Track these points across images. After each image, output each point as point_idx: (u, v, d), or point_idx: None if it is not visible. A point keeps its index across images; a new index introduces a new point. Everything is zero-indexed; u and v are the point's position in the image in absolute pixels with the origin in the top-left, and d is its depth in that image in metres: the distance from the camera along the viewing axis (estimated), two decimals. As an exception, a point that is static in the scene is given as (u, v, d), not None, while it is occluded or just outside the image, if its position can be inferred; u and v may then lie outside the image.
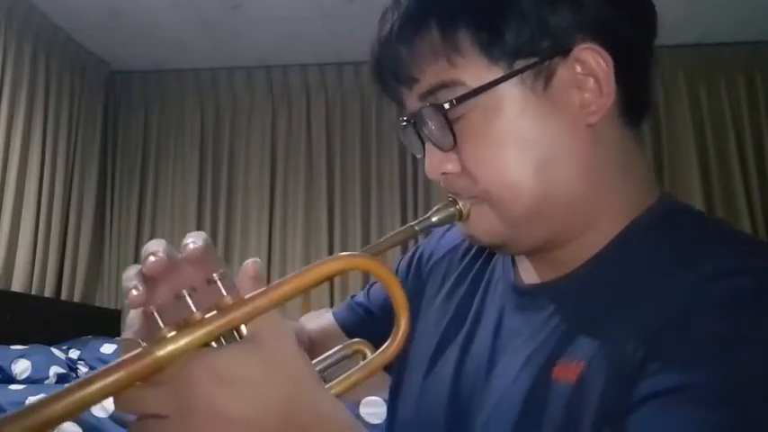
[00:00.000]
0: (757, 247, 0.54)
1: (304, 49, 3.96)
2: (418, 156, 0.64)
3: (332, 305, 3.75)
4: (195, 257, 0.48)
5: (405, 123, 0.63)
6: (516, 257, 0.67)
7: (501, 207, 0.58)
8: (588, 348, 0.52)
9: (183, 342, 0.43)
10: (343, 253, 0.49)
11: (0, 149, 3.28)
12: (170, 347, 0.43)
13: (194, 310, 0.45)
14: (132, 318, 0.49)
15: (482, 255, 0.73)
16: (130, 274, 0.47)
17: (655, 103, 0.62)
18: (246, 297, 0.45)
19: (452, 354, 0.67)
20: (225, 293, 0.45)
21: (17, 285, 3.35)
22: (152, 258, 0.47)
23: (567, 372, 0.53)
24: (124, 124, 4.31)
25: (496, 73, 0.55)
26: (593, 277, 0.58)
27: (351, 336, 0.73)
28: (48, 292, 3.56)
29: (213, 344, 0.45)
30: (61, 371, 2.85)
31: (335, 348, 0.64)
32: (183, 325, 0.44)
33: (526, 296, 0.63)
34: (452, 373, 0.65)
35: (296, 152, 4.16)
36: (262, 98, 4.25)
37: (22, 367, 2.76)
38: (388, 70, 0.61)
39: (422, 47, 0.57)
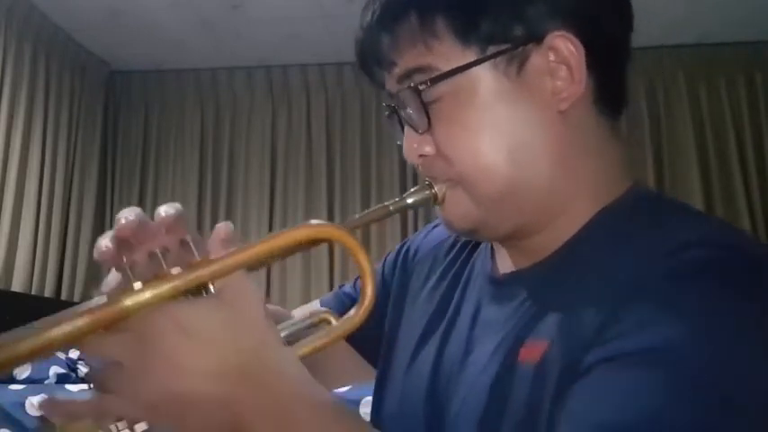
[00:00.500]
0: (716, 223, 0.56)
1: (304, 49, 3.96)
2: (398, 143, 0.65)
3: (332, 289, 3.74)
4: (168, 222, 0.49)
5: (388, 112, 0.65)
6: (495, 249, 0.68)
7: (474, 189, 0.59)
8: (552, 328, 0.54)
9: (149, 294, 0.44)
10: (313, 221, 0.50)
11: (0, 149, 3.27)
12: (136, 298, 0.44)
13: (165, 267, 0.46)
14: (109, 277, 0.51)
15: (465, 250, 0.74)
16: (104, 236, 0.49)
17: (628, 99, 0.65)
18: (215, 257, 0.47)
19: (432, 348, 0.68)
20: (196, 255, 0.47)
21: (17, 285, 3.35)
22: (123, 220, 0.47)
23: (532, 352, 0.54)
24: (124, 124, 4.30)
25: (470, 57, 0.57)
26: (563, 263, 0.59)
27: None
28: (48, 292, 3.56)
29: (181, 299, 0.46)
30: (61, 371, 2.85)
31: (301, 316, 0.66)
32: (152, 279, 0.45)
33: (500, 286, 0.64)
34: (431, 368, 0.66)
35: (296, 152, 4.16)
36: (262, 98, 4.24)
37: (21, 367, 2.76)
38: (370, 55, 0.63)
39: (401, 32, 0.59)
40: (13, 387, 2.64)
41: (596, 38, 0.58)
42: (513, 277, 0.63)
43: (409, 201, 0.61)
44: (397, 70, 0.60)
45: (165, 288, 0.45)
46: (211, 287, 0.47)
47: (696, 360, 0.44)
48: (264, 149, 4.17)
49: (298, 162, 4.14)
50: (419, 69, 0.58)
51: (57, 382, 2.80)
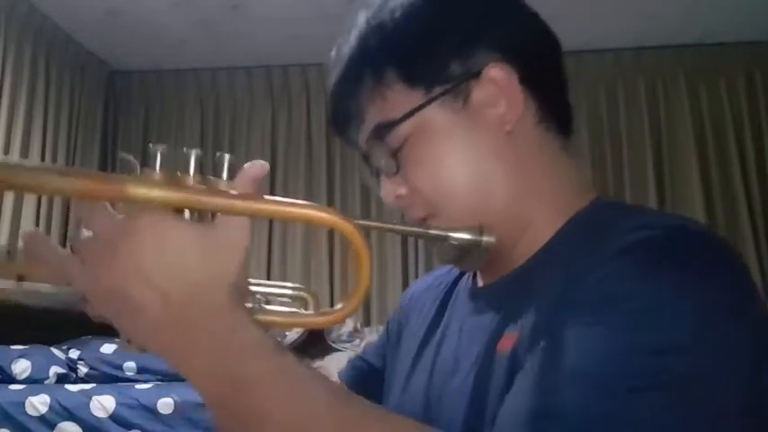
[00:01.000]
0: (674, 214, 0.62)
1: (304, 49, 3.95)
2: (376, 190, 0.71)
3: (332, 288, 3.74)
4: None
5: (364, 165, 0.71)
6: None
7: (446, 216, 0.64)
8: (522, 317, 0.58)
9: (156, 193, 0.45)
10: (325, 209, 0.51)
11: (0, 149, 3.28)
12: (142, 190, 0.45)
13: (191, 176, 0.48)
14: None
15: (453, 279, 0.80)
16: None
17: (573, 117, 0.70)
18: (233, 193, 0.48)
19: (425, 365, 0.72)
20: (225, 174, 0.49)
21: (17, 285, 3.35)
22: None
23: (506, 343, 0.58)
24: (124, 124, 4.30)
25: (419, 100, 0.64)
26: (532, 268, 0.64)
27: (358, 389, 0.74)
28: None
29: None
30: (61, 371, 2.85)
31: (283, 284, 0.68)
32: (171, 182, 0.47)
33: (478, 298, 0.70)
34: (425, 383, 0.70)
35: (296, 152, 4.16)
36: (262, 98, 4.24)
37: (21, 367, 2.76)
38: (340, 117, 0.70)
39: (361, 92, 0.66)
40: (13, 387, 2.64)
41: (528, 64, 0.65)
42: (490, 288, 0.69)
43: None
44: (365, 126, 0.67)
45: (173, 196, 0.46)
46: (211, 218, 0.48)
47: (642, 305, 0.48)
48: (264, 149, 4.17)
49: (298, 162, 4.14)
50: (381, 125, 0.65)
51: (57, 382, 2.81)
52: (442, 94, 0.64)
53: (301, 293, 0.67)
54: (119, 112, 4.32)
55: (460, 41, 0.64)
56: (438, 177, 0.64)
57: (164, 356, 0.48)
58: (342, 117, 0.70)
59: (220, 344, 0.47)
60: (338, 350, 3.18)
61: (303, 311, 0.61)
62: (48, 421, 2.48)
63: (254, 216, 0.49)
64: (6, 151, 3.31)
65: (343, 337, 3.27)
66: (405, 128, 0.64)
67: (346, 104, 0.68)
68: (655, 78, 3.96)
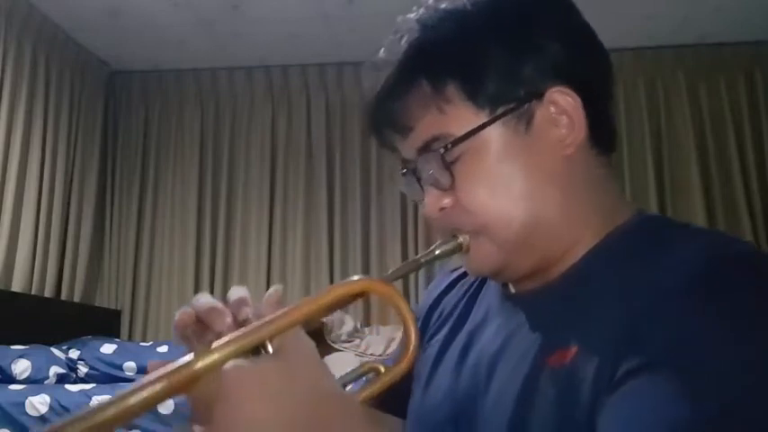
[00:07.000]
0: (723, 237, 0.61)
1: (304, 49, 3.96)
2: (416, 200, 0.70)
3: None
4: (234, 307, 0.55)
5: (404, 172, 0.70)
6: None
7: (496, 236, 0.65)
8: (578, 337, 0.58)
9: (217, 356, 0.49)
10: (355, 277, 0.55)
11: (0, 149, 3.28)
12: (206, 360, 0.48)
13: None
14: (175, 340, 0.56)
15: (477, 281, 0.80)
16: (185, 308, 0.55)
17: (617, 131, 0.71)
18: (270, 317, 0.51)
19: (447, 371, 0.72)
20: (251, 317, 0.53)
21: (17, 285, 3.35)
22: (200, 301, 0.55)
23: (561, 358, 0.58)
24: (124, 124, 4.31)
25: (482, 118, 0.63)
26: (575, 280, 0.64)
27: (380, 407, 0.77)
28: (48, 292, 3.56)
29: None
30: (61, 371, 2.85)
31: (351, 369, 0.69)
32: (216, 343, 0.50)
33: (517, 306, 0.69)
34: (448, 389, 0.70)
35: (296, 152, 4.16)
36: (262, 98, 4.25)
37: (21, 367, 2.76)
38: (385, 123, 0.69)
39: (414, 99, 0.65)
40: (13, 387, 2.64)
41: (584, 87, 0.65)
42: (530, 295, 0.68)
43: (438, 252, 0.66)
44: (415, 135, 0.66)
45: (229, 350, 0.49)
46: (269, 347, 0.51)
47: (719, 363, 0.49)
48: (264, 149, 4.17)
49: (298, 162, 4.14)
50: (435, 138, 0.64)
51: (57, 382, 2.81)
52: (506, 113, 0.63)
53: (371, 365, 0.69)
54: (119, 112, 4.32)
55: (525, 62, 0.64)
56: (491, 197, 0.64)
57: None
58: (386, 120, 0.68)
59: None
60: (338, 350, 3.18)
61: (381, 373, 0.65)
62: (48, 421, 2.48)
63: (300, 322, 0.52)
64: (6, 151, 3.31)
65: (343, 338, 3.27)
66: (464, 144, 0.63)
67: (394, 109, 0.66)
68: (654, 78, 3.96)
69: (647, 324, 0.52)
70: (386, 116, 0.68)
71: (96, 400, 2.54)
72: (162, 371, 0.48)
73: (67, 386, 2.72)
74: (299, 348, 0.51)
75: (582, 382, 0.55)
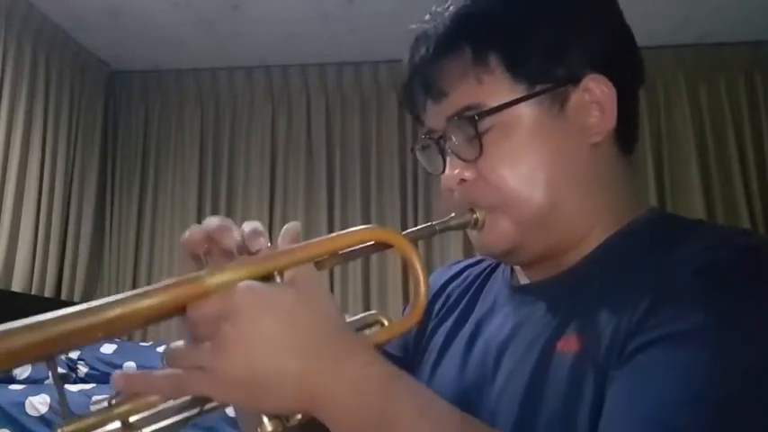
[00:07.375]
0: (736, 229, 0.63)
1: (304, 49, 3.96)
2: (435, 172, 0.70)
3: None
4: (247, 232, 0.54)
5: (428, 141, 0.70)
6: (514, 267, 0.74)
7: (514, 213, 0.65)
8: (586, 325, 0.59)
9: (228, 275, 0.47)
10: (370, 225, 0.55)
11: (0, 149, 3.28)
12: (218, 277, 0.47)
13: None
14: (181, 267, 0.55)
15: (483, 270, 0.80)
16: (193, 227, 0.55)
17: (640, 127, 0.72)
18: (287, 248, 0.51)
19: (454, 360, 0.72)
20: (268, 245, 0.52)
21: (17, 285, 3.35)
22: (212, 220, 0.54)
23: (569, 344, 0.59)
24: (124, 124, 4.31)
25: (519, 93, 0.64)
26: (585, 271, 0.65)
27: None
28: (48, 292, 3.56)
29: None
30: (61, 371, 2.85)
31: (355, 317, 0.68)
32: (230, 264, 0.49)
33: (527, 293, 0.70)
34: (454, 378, 0.70)
35: (296, 152, 4.16)
36: (262, 98, 4.25)
37: (21, 367, 2.76)
38: (421, 86, 0.68)
39: (454, 65, 0.64)
40: (13, 387, 2.64)
41: (620, 82, 0.65)
42: (540, 285, 0.69)
43: (453, 222, 0.66)
44: (447, 102, 0.66)
45: (242, 271, 0.48)
46: (279, 278, 0.50)
47: (727, 340, 0.50)
48: (264, 149, 4.17)
49: (298, 162, 4.14)
50: (470, 106, 0.64)
51: (57, 382, 2.80)
52: (543, 92, 0.64)
53: (375, 317, 0.69)
54: (119, 112, 4.32)
55: (570, 45, 0.64)
56: (515, 174, 0.64)
57: (314, 413, 0.49)
58: (422, 84, 0.68)
59: (361, 383, 0.49)
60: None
61: (387, 324, 0.65)
62: (48, 421, 2.48)
63: (315, 258, 0.52)
64: (6, 151, 3.31)
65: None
66: (496, 116, 0.63)
67: (432, 72, 0.66)
68: (654, 78, 3.96)
69: (657, 305, 0.53)
70: (423, 79, 0.67)
71: (96, 399, 2.54)
72: (171, 280, 0.47)
73: (67, 386, 2.72)
74: (312, 281, 0.51)
75: (591, 367, 0.56)
